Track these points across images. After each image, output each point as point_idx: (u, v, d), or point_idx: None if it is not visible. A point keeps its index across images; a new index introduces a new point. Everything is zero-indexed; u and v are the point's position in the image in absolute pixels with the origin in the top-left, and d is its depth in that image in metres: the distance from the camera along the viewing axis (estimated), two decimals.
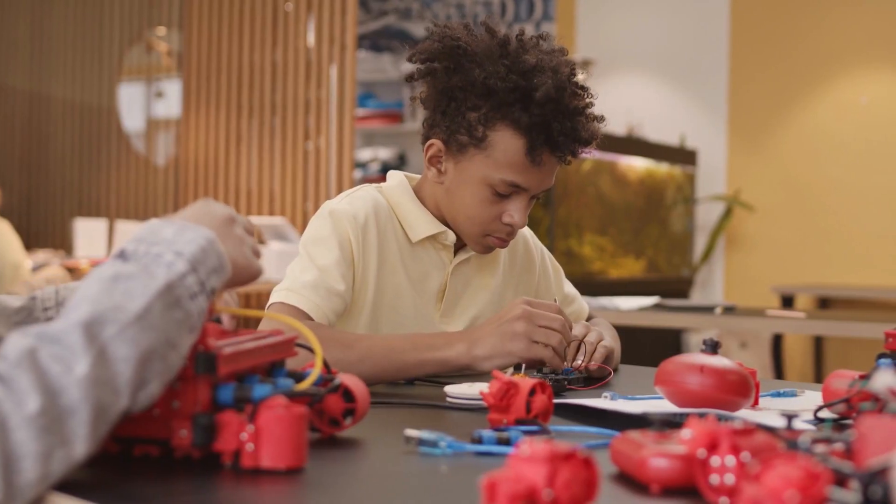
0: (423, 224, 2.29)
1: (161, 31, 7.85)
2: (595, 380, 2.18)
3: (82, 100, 8.04)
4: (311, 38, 6.93)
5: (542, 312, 2.03)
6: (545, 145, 2.16)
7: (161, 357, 1.19)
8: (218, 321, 1.47)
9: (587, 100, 2.21)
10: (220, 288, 1.31)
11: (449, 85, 2.19)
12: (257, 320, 2.06)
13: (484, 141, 2.17)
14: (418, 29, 9.24)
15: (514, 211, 2.22)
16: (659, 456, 1.21)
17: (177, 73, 7.65)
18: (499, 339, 2.01)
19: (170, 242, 1.26)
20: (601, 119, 2.24)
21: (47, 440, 1.08)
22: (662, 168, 8.00)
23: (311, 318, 2.12)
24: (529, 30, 2.28)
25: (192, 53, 7.41)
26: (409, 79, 2.29)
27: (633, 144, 7.63)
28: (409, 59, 2.27)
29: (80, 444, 1.11)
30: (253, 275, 1.40)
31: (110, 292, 1.18)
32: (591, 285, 6.31)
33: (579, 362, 2.17)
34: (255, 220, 6.66)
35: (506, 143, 2.16)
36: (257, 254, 1.41)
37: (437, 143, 2.24)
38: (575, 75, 2.20)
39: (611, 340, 2.31)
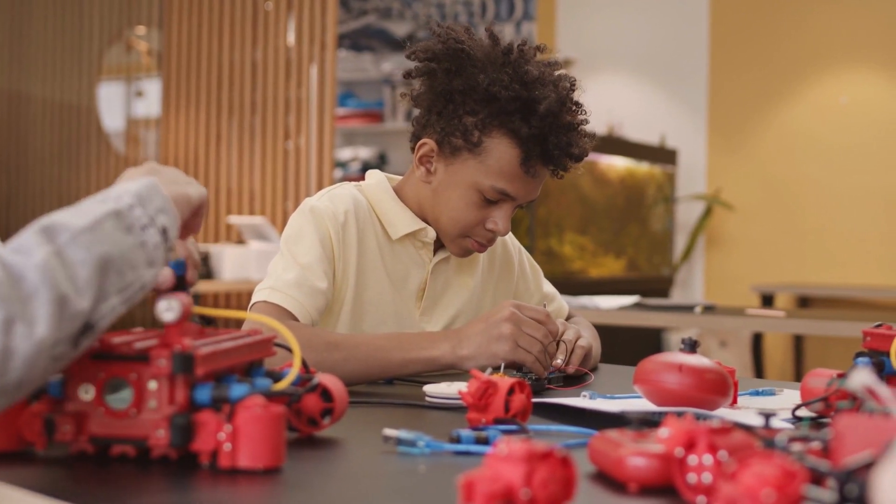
0: (403, 221, 2.29)
1: (141, 30, 7.82)
2: (574, 379, 2.19)
3: (62, 99, 8.01)
4: (291, 38, 6.92)
5: (529, 319, 2.04)
6: (539, 157, 2.18)
7: (118, 272, 1.23)
8: (211, 322, 1.47)
9: (582, 116, 2.23)
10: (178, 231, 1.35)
11: (449, 87, 2.19)
12: (240, 320, 2.05)
13: (479, 146, 2.17)
14: (399, 28, 9.23)
15: (499, 218, 2.23)
16: (637, 455, 1.21)
17: (157, 73, 7.63)
18: (485, 339, 2.02)
19: (113, 189, 1.31)
20: (592, 136, 2.26)
21: (6, 308, 1.12)
22: (643, 167, 8.01)
23: (295, 317, 2.12)
24: (509, 29, 2.29)
25: (172, 53, 7.39)
26: (407, 76, 2.28)
27: (613, 144, 7.64)
28: (408, 56, 2.27)
29: (42, 325, 1.14)
30: (191, 199, 1.41)
31: (63, 214, 1.23)
32: (571, 284, 6.32)
33: (558, 361, 2.17)
34: (236, 219, 6.64)
35: (501, 151, 2.17)
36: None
37: (429, 143, 2.24)
38: (574, 90, 2.22)
39: (589, 339, 2.31)
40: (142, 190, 1.30)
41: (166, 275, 1.34)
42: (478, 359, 2.02)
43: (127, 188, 1.30)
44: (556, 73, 2.22)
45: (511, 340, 2.01)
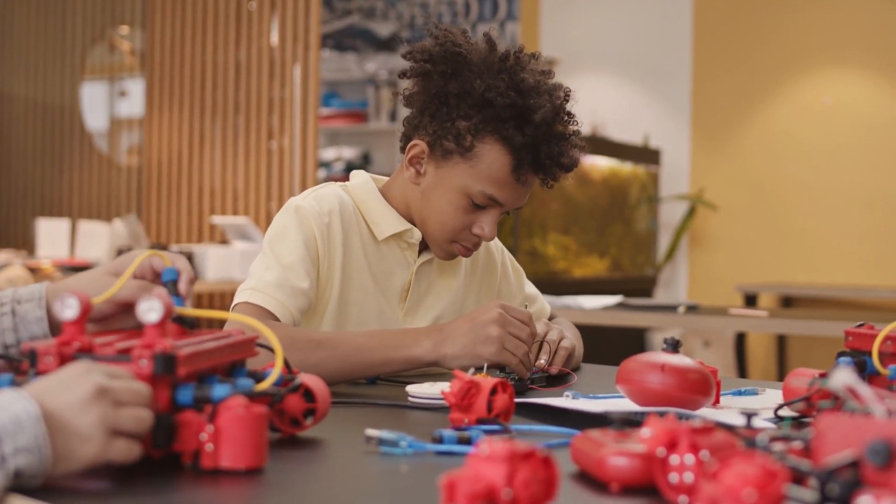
0: (389, 222, 2.29)
1: (124, 29, 7.81)
2: (557, 379, 2.19)
3: (45, 99, 7.99)
4: (274, 37, 6.91)
5: (514, 320, 2.04)
6: (530, 166, 2.18)
7: None
8: (191, 323, 1.47)
9: (574, 126, 2.23)
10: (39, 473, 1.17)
11: (444, 90, 2.18)
12: (221, 322, 2.04)
13: (470, 151, 2.17)
14: (382, 28, 9.22)
15: (486, 223, 2.23)
16: (619, 455, 1.21)
17: (140, 73, 7.62)
18: (471, 340, 2.02)
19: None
20: (584, 147, 2.26)
21: None
22: (626, 167, 8.02)
23: (276, 318, 2.11)
24: (493, 30, 2.28)
25: (155, 52, 7.38)
26: (402, 76, 2.28)
27: (597, 144, 7.65)
28: (404, 56, 2.26)
29: None
30: (75, 459, 1.19)
31: None
32: (555, 284, 6.32)
33: (542, 361, 2.18)
34: (219, 219, 6.63)
35: (492, 157, 2.17)
36: (129, 431, 1.22)
37: (420, 145, 2.23)
38: (568, 100, 2.22)
39: (572, 339, 2.32)
40: (7, 423, 1.14)
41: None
42: (462, 359, 2.02)
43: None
44: (551, 82, 2.22)
45: (498, 343, 2.01)
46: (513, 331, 2.02)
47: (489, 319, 2.02)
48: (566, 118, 2.21)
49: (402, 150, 2.28)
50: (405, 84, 2.29)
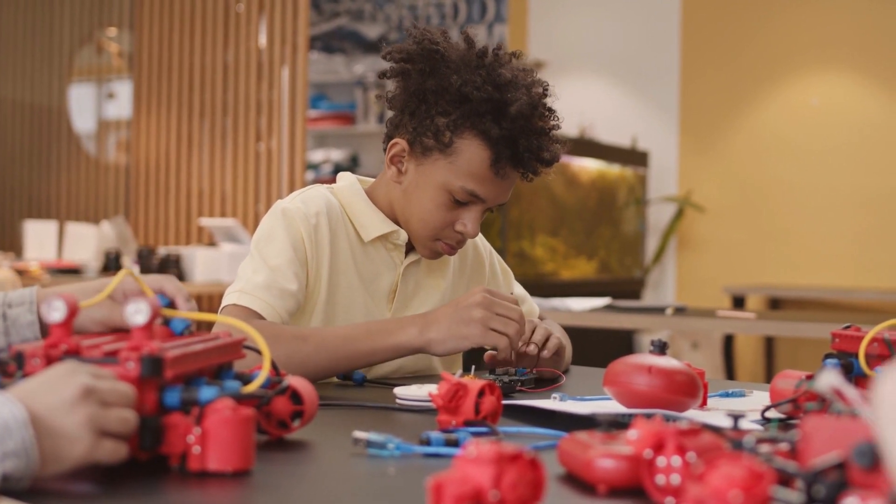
0: (375, 223, 2.30)
1: (112, 31, 7.80)
2: (545, 381, 2.19)
3: (32, 100, 7.97)
4: (262, 39, 6.91)
5: (500, 301, 2.05)
6: (509, 160, 2.18)
7: None
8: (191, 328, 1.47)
9: (553, 122, 2.23)
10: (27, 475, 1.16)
11: (422, 87, 2.19)
12: (208, 324, 2.04)
13: (450, 147, 2.17)
14: (370, 30, 9.22)
15: (468, 220, 2.23)
16: (606, 456, 1.21)
17: (128, 74, 7.61)
18: (455, 322, 2.03)
19: None
20: (564, 143, 2.26)
21: None
22: (614, 169, 8.02)
23: (264, 320, 2.11)
24: (481, 32, 2.29)
25: (143, 54, 7.37)
26: (382, 76, 2.29)
27: (585, 146, 7.65)
28: (384, 57, 2.28)
29: None
30: (63, 460, 1.19)
31: None
32: (543, 286, 6.32)
33: (532, 348, 2.19)
34: (207, 221, 6.63)
35: (471, 152, 2.17)
36: (116, 432, 1.22)
37: (401, 143, 2.24)
38: (547, 95, 2.23)
39: (560, 338, 2.32)
40: None
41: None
42: (447, 342, 2.03)
43: None
44: (530, 78, 2.23)
45: (481, 324, 2.02)
46: (499, 311, 2.03)
47: (473, 303, 2.04)
48: (545, 113, 2.22)
49: (386, 150, 2.29)
50: (390, 87, 2.30)
